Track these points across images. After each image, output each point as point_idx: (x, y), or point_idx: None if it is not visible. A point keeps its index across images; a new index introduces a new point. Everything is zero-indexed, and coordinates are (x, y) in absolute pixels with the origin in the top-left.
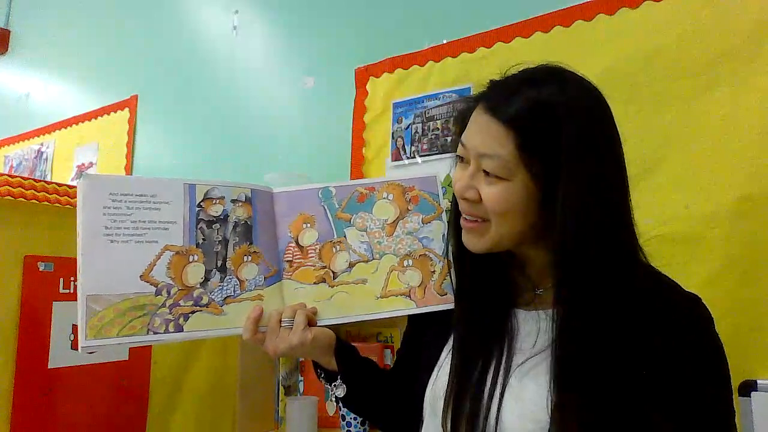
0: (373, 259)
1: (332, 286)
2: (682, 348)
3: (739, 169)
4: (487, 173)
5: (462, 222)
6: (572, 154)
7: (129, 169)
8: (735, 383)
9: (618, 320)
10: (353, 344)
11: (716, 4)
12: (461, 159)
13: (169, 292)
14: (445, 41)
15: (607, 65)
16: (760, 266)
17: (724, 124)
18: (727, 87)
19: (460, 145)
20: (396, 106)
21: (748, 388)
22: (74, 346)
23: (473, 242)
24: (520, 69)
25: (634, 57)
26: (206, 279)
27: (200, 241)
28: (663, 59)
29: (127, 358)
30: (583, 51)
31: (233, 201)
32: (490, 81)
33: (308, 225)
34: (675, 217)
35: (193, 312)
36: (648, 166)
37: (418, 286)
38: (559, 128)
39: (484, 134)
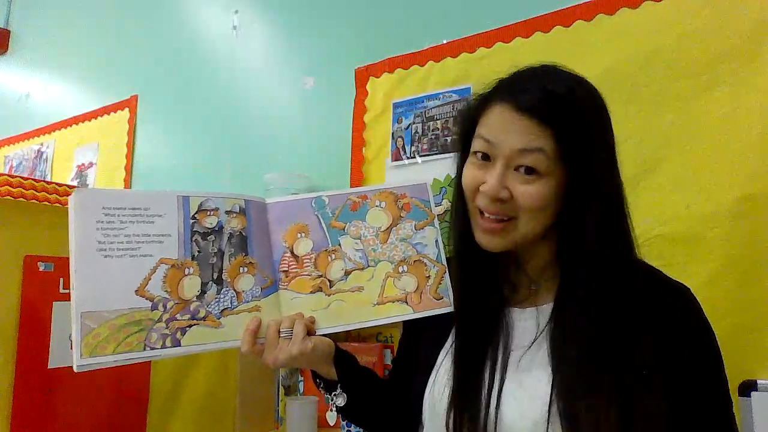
0: (369, 266)
1: (329, 295)
2: (676, 335)
3: (739, 169)
4: (523, 171)
5: (482, 223)
6: (599, 149)
7: (129, 169)
8: (735, 383)
9: (619, 308)
10: (353, 344)
11: (716, 4)
12: (481, 157)
13: (165, 307)
14: (445, 41)
15: (607, 65)
16: (760, 266)
17: (724, 124)
18: (727, 87)
19: (482, 141)
20: (396, 106)
21: (748, 388)
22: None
23: (495, 241)
24: (527, 68)
25: (634, 57)
26: (203, 292)
27: (196, 254)
28: (663, 59)
29: None
30: (583, 51)
31: (227, 212)
32: (502, 80)
33: (302, 234)
34: (675, 217)
35: (190, 326)
36: (648, 166)
37: (414, 292)
38: (588, 123)
39: (522, 132)
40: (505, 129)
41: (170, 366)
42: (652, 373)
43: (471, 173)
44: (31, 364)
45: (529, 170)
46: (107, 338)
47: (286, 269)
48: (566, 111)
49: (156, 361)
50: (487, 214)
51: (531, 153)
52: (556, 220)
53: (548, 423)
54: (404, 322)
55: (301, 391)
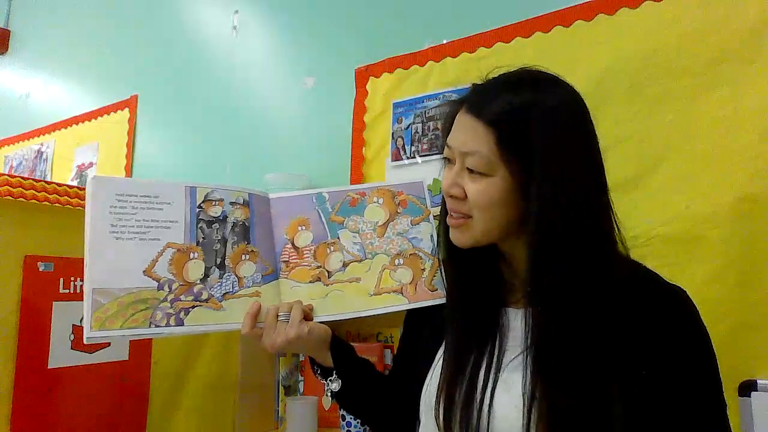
0: (366, 258)
1: (327, 285)
2: (668, 339)
3: (739, 169)
4: (471, 171)
5: (448, 219)
6: (543, 152)
7: (129, 169)
8: (735, 383)
9: (593, 314)
10: (354, 344)
11: (717, 4)
12: (448, 161)
13: (170, 287)
14: (445, 41)
15: (607, 65)
16: (760, 266)
17: (724, 124)
18: (727, 87)
19: (446, 147)
20: (396, 106)
21: (748, 388)
22: (74, 346)
23: (458, 238)
24: (500, 73)
25: (634, 57)
26: (206, 275)
27: (200, 240)
28: (663, 59)
29: (127, 358)
30: (583, 51)
31: (232, 203)
32: (473, 84)
33: (303, 228)
34: (675, 217)
35: (193, 307)
36: (648, 166)
37: (410, 283)
38: (532, 129)
39: (467, 133)
40: (457, 131)
41: (171, 365)
42: (638, 376)
43: (443, 177)
44: (31, 364)
45: (473, 170)
46: (115, 314)
47: (287, 260)
48: (508, 112)
49: (157, 360)
50: (449, 212)
51: (472, 155)
52: (522, 219)
53: (528, 425)
54: (405, 319)
55: (301, 391)
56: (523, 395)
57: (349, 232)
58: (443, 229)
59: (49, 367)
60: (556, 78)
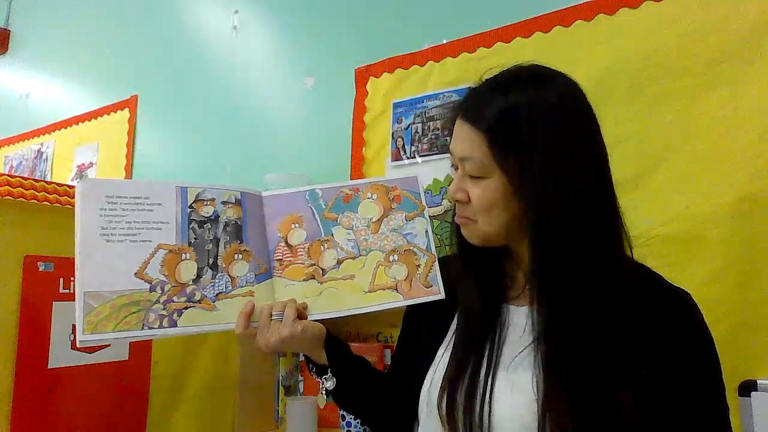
0: (360, 255)
1: (321, 283)
2: (672, 341)
3: (739, 169)
4: (471, 175)
5: (457, 219)
6: (535, 151)
7: (129, 169)
8: (735, 383)
9: (597, 313)
10: (353, 344)
11: (716, 4)
12: (455, 166)
13: (162, 289)
14: (445, 41)
15: (607, 65)
16: (760, 266)
17: (724, 124)
18: (727, 87)
19: (450, 153)
20: (396, 106)
21: (748, 388)
22: (74, 346)
23: (468, 236)
24: (493, 75)
25: (634, 57)
26: (198, 276)
27: (192, 240)
28: (663, 59)
29: (127, 358)
30: (583, 51)
31: (223, 203)
32: (468, 89)
33: (296, 225)
34: (675, 217)
35: (186, 308)
36: (648, 166)
37: (404, 280)
38: (522, 129)
39: (463, 140)
40: (455, 137)
41: (171, 365)
42: (641, 377)
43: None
44: (31, 364)
45: (472, 175)
46: (108, 317)
47: (281, 258)
48: (496, 115)
49: (157, 360)
50: (457, 215)
51: (468, 160)
52: (524, 218)
53: (543, 422)
54: (404, 316)
55: (301, 391)
56: (536, 393)
57: (343, 229)
58: (455, 226)
59: (49, 367)
60: (548, 73)
